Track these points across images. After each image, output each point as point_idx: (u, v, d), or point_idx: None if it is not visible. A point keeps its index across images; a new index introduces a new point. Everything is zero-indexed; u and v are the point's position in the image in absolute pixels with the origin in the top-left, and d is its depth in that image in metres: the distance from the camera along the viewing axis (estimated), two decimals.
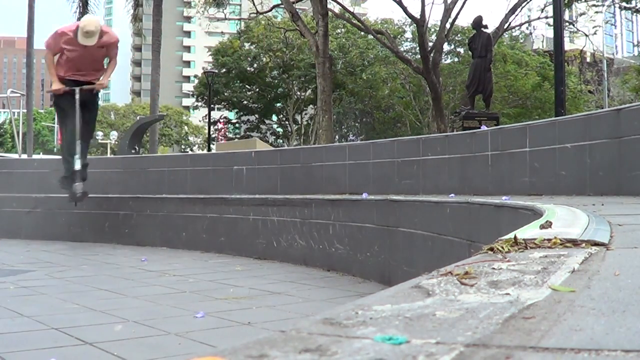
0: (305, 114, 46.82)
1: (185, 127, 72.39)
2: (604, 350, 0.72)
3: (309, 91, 42.34)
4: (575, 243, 1.62)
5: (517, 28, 31.71)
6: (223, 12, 30.30)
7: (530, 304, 0.96)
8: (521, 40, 42.03)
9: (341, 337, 0.80)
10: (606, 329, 0.81)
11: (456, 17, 24.40)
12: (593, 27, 28.13)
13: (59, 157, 9.60)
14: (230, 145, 20.91)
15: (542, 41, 49.84)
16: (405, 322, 0.86)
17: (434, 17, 49.68)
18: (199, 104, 52.44)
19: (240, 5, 49.65)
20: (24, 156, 23.00)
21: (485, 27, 16.19)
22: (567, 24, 24.57)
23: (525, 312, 0.91)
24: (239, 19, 42.77)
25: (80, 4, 33.85)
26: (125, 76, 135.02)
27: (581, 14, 28.95)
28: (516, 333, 0.80)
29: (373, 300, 1.01)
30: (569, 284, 1.11)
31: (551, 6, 15.21)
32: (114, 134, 56.36)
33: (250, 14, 33.04)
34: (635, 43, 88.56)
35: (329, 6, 22.45)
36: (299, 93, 44.47)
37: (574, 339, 0.77)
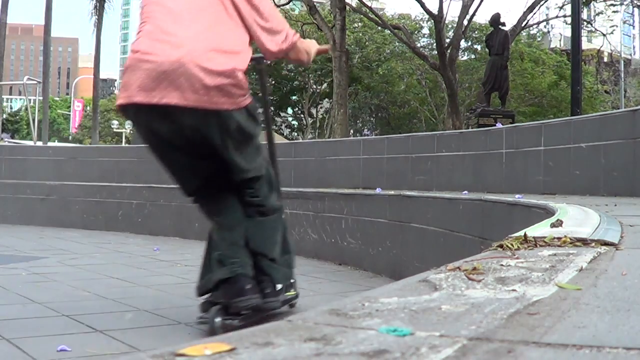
0: (321, 107, 46.76)
1: None
2: (605, 347, 0.73)
3: (325, 85, 42.27)
4: (585, 242, 1.63)
5: (534, 26, 31.56)
6: None
7: (535, 300, 0.96)
8: (539, 39, 41.83)
9: (346, 327, 0.81)
10: (609, 327, 0.82)
11: (474, 14, 24.33)
12: (610, 27, 27.96)
13: (73, 145, 9.55)
14: None
15: (560, 40, 49.65)
16: (411, 315, 0.87)
17: (452, 14, 49.45)
18: None
19: None
20: (39, 143, 23.13)
21: (503, 24, 16.15)
22: (584, 23, 24.42)
23: (530, 308, 0.92)
24: None
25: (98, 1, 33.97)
26: None
27: (598, 13, 28.79)
28: (520, 328, 0.81)
29: (380, 293, 1.02)
30: (575, 282, 1.12)
31: (569, 5, 15.14)
32: (129, 123, 56.54)
33: None
34: None
35: (346, 0, 22.43)
36: (314, 86, 44.41)
37: (577, 336, 0.78)
